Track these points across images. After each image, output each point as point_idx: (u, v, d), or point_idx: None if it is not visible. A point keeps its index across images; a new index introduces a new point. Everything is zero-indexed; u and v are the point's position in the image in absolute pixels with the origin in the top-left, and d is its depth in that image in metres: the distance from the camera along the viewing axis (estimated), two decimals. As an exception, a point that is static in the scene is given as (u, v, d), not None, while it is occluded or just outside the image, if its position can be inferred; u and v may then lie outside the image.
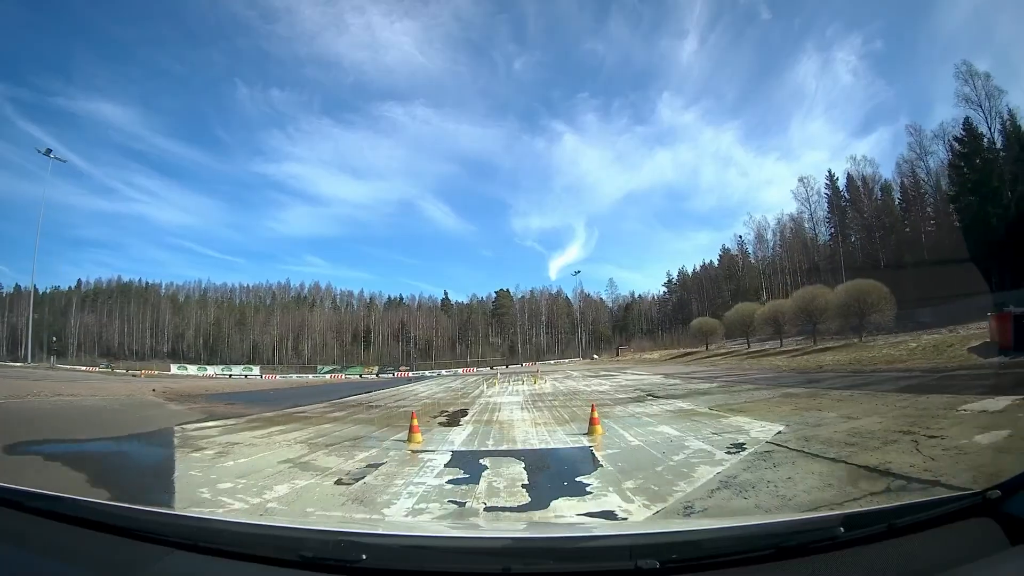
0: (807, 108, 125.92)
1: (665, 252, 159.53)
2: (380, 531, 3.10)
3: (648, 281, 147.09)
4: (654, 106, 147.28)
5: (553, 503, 5.88)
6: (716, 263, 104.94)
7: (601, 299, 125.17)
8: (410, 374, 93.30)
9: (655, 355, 74.24)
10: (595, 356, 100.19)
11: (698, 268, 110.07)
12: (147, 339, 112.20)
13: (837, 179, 77.67)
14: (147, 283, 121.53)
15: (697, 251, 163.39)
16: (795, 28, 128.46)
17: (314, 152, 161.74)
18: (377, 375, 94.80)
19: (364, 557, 1.79)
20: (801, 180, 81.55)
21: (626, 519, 5.17)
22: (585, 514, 5.46)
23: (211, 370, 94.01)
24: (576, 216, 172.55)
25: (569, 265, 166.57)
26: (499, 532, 3.06)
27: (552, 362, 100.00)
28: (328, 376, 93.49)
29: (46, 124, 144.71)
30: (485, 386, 32.78)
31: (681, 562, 1.73)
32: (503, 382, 37.39)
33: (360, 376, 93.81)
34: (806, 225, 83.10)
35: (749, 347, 54.24)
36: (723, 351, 58.87)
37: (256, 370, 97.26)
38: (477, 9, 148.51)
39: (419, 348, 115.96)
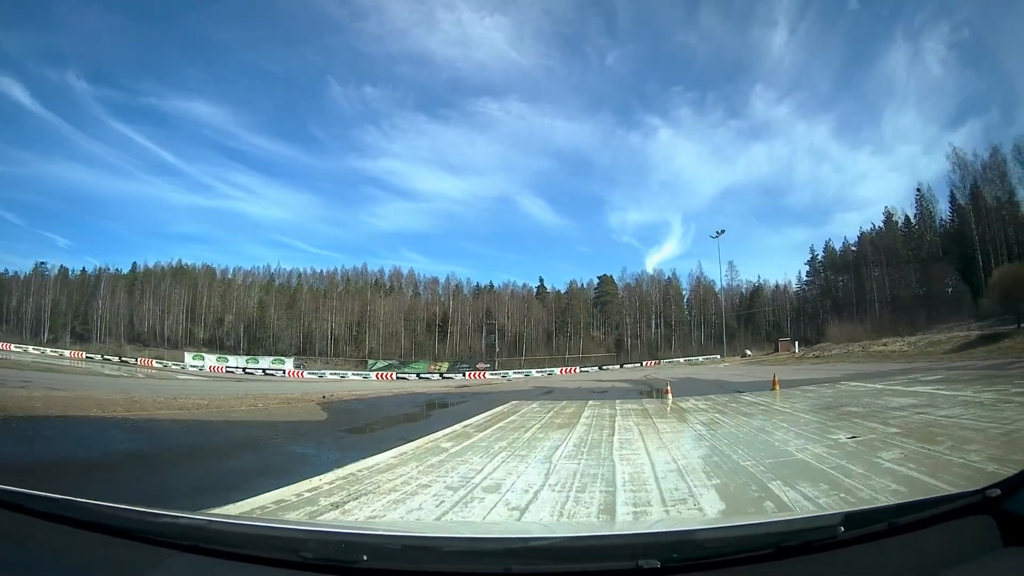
0: (899, 100, 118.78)
1: (761, 248, 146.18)
2: (380, 531, 2.67)
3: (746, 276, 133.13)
4: (747, 99, 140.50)
5: None
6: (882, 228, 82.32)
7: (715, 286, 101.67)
8: (487, 375, 74.08)
9: (837, 350, 50.48)
10: (747, 352, 75.14)
11: (851, 242, 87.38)
12: (182, 324, 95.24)
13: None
14: (208, 266, 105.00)
15: (793, 248, 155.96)
16: (883, 17, 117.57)
17: (410, 148, 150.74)
18: (442, 375, 76.33)
19: (365, 558, 1.75)
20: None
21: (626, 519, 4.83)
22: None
23: (233, 362, 78.47)
24: (672, 211, 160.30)
25: (667, 260, 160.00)
26: (499, 532, 3.09)
27: (680, 360, 79.36)
28: (374, 376, 75.19)
29: (142, 123, 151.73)
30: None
31: (682, 562, 1.70)
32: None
33: (418, 376, 75.67)
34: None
35: (1020, 327, 35.21)
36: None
37: (289, 363, 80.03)
38: (567, 3, 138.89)
39: (507, 341, 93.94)
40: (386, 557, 1.81)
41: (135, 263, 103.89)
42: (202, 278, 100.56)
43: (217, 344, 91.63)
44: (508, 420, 13.05)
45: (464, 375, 75.24)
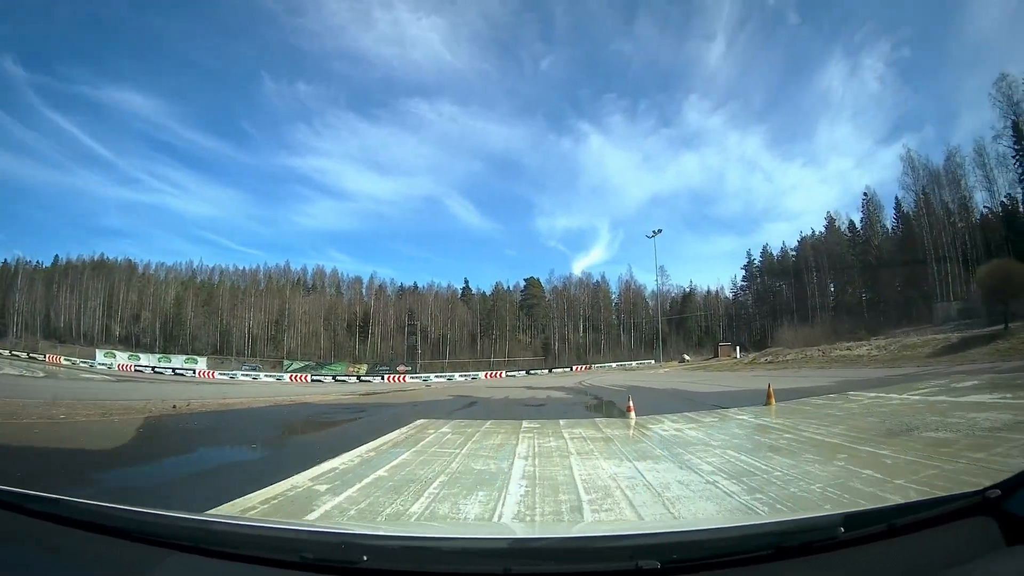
0: (833, 114, 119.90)
1: (689, 256, 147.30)
2: (380, 532, 2.68)
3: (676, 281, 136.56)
4: (680, 108, 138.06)
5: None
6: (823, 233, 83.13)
7: (645, 291, 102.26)
8: (407, 379, 70.48)
9: (792, 355, 46.71)
10: (686, 358, 72.91)
11: (791, 247, 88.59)
12: (100, 320, 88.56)
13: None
14: (130, 260, 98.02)
15: (722, 257, 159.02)
16: (823, 32, 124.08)
17: (340, 146, 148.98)
18: (359, 378, 72.35)
19: (365, 558, 1.73)
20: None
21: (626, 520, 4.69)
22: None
23: (145, 360, 72.90)
24: (600, 217, 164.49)
25: (595, 266, 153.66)
26: (499, 533, 3.08)
27: (612, 365, 77.73)
28: (288, 377, 70.45)
29: (71, 112, 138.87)
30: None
31: (682, 562, 1.69)
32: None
33: (333, 378, 71.55)
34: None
35: (1007, 327, 30.74)
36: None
37: (202, 363, 75.11)
38: (504, 7, 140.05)
39: (430, 343, 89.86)
40: (386, 557, 1.79)
41: (56, 256, 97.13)
42: (119, 272, 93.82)
43: (133, 341, 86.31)
44: (393, 466, 7.58)
45: (383, 378, 71.33)
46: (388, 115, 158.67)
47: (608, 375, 57.56)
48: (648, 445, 8.93)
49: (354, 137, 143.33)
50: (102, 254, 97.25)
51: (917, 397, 12.62)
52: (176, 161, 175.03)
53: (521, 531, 3.48)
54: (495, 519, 5.04)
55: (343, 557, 1.73)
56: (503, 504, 5.42)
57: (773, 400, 13.91)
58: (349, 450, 8.84)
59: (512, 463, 7.62)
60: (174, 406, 18.62)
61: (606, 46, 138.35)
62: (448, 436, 10.97)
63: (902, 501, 2.43)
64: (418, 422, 13.76)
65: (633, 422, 12.36)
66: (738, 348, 68.77)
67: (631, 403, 13.81)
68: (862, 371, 27.34)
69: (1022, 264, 34.65)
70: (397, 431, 11.82)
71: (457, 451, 8.83)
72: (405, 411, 19.42)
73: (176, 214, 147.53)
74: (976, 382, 14.55)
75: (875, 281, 70.33)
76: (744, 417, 12.37)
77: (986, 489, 1.90)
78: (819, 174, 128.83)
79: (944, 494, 2.09)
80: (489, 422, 13.76)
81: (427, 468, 7.36)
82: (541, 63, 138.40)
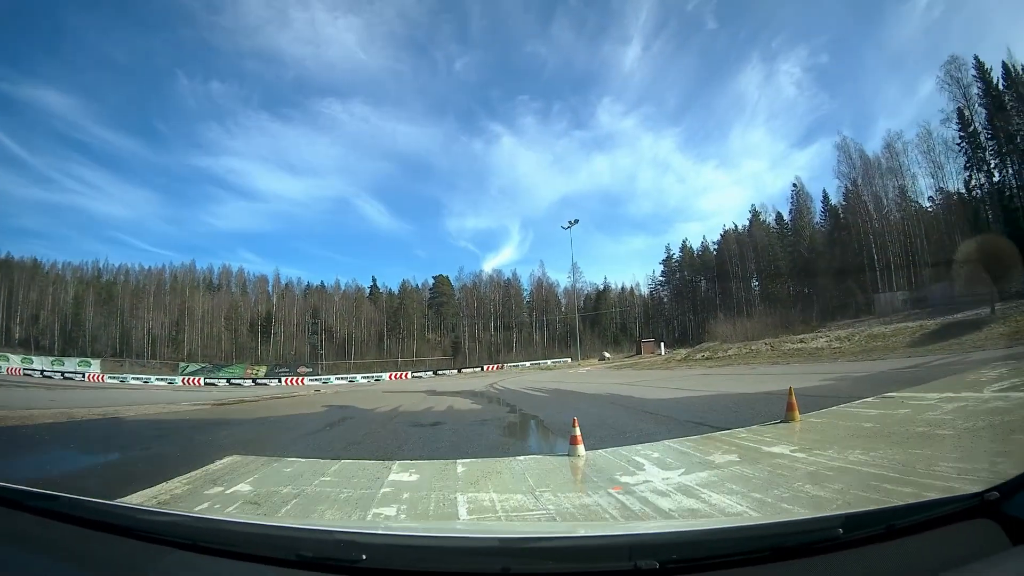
0: (748, 118, 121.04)
1: (601, 256, 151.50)
2: (380, 531, 2.86)
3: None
4: (594, 111, 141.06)
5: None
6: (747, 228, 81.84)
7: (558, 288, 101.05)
8: (305, 381, 66.80)
9: (734, 349, 42.77)
10: (606, 355, 70.95)
11: (712, 241, 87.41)
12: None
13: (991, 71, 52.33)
14: (35, 260, 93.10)
15: (634, 256, 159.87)
16: (740, 39, 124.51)
17: (252, 147, 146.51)
18: (255, 381, 69.10)
19: (364, 557, 1.74)
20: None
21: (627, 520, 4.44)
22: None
23: (37, 363, 69.05)
24: (511, 218, 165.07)
25: (505, 265, 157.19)
26: (499, 532, 2.95)
27: (526, 364, 75.44)
28: (180, 380, 67.37)
29: None
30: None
31: (681, 562, 1.69)
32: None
33: (228, 381, 68.33)
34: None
35: (994, 310, 28.06)
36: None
37: (96, 366, 71.28)
38: (421, 7, 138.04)
39: (335, 343, 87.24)
40: (385, 556, 1.79)
41: None
42: (23, 272, 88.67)
43: (32, 344, 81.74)
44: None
45: (280, 381, 68.11)
46: (300, 115, 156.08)
47: (523, 375, 53.85)
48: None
49: (265, 137, 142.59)
50: (8, 253, 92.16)
51: (986, 395, 9.00)
52: (90, 160, 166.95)
53: (520, 531, 3.29)
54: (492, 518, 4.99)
55: (342, 556, 1.72)
56: None
57: (797, 412, 9.09)
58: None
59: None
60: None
61: (521, 48, 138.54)
62: (243, 505, 6.16)
63: (901, 503, 2.26)
64: (223, 462, 8.71)
65: (583, 463, 7.55)
66: (662, 344, 67.17)
67: (578, 434, 8.13)
68: (838, 365, 23.56)
69: (1009, 241, 31.81)
70: (166, 484, 7.13)
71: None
72: (238, 434, 14.64)
73: (88, 214, 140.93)
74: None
75: (807, 273, 67.98)
76: (782, 450, 7.02)
77: (985, 492, 1.91)
78: (732, 175, 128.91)
79: (943, 497, 2.07)
80: (338, 465, 8.39)
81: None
82: (455, 64, 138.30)
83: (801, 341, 36.56)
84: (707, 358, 42.03)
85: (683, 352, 52.67)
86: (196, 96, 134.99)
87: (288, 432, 15.01)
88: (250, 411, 23.08)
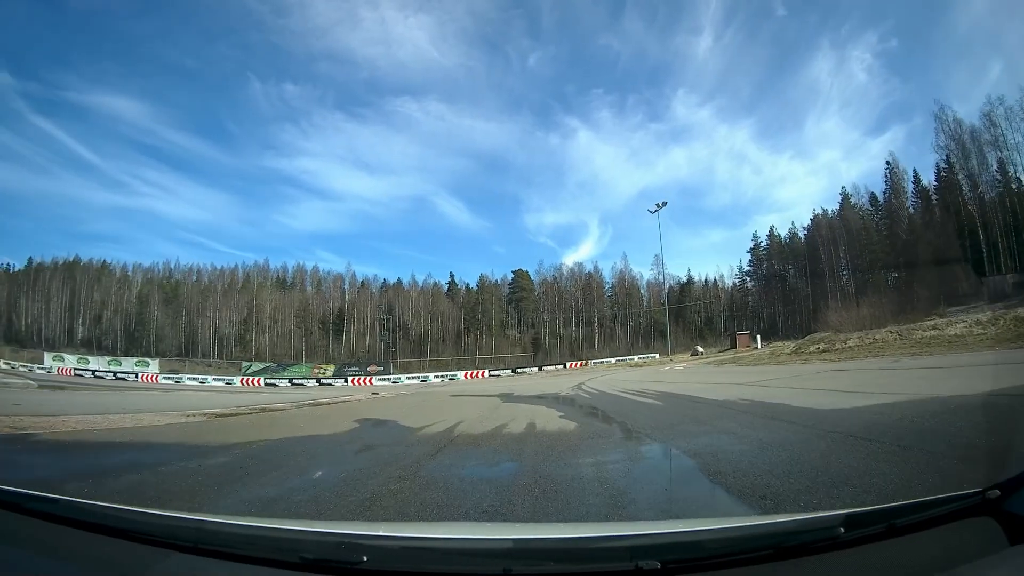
0: (822, 106, 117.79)
1: (681, 250, 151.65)
2: (381, 532, 2.43)
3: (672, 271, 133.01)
4: (669, 103, 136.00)
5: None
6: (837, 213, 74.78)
7: (641, 280, 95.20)
8: (375, 381, 61.34)
9: (853, 340, 34.64)
10: (699, 350, 64.49)
11: (802, 226, 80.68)
12: (62, 322, 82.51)
13: None
14: (104, 262, 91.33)
15: (711, 250, 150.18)
16: (810, 25, 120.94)
17: (327, 147, 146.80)
18: (319, 381, 64.46)
19: (365, 559, 1.72)
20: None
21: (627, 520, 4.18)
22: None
23: (94, 363, 65.83)
24: (590, 212, 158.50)
25: (585, 260, 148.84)
26: (499, 533, 2.73)
27: (611, 361, 69.05)
28: (238, 381, 62.77)
29: (57, 117, 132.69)
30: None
31: (682, 562, 1.67)
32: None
33: (290, 382, 63.72)
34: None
35: None
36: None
37: (154, 366, 67.15)
38: (491, 4, 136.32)
39: (411, 340, 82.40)
40: (386, 557, 1.77)
41: (31, 258, 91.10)
42: (89, 274, 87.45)
43: (95, 344, 79.54)
44: None
45: (347, 381, 62.99)
46: (375, 114, 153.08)
47: (611, 373, 45.35)
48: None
49: (341, 136, 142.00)
50: (76, 256, 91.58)
51: None
52: (163, 164, 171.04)
53: (521, 531, 2.89)
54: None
55: (344, 557, 1.70)
56: None
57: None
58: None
59: None
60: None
61: (593, 41, 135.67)
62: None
63: (902, 502, 2.12)
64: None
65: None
66: (758, 337, 60.77)
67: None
68: (1011, 353, 15.53)
69: None
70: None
71: None
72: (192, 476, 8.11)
73: (162, 217, 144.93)
74: None
75: (906, 256, 60.62)
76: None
77: (986, 489, 1.88)
78: (807, 165, 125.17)
79: (944, 495, 2.01)
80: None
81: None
82: (528, 59, 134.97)
83: (934, 327, 29.91)
84: (823, 350, 34.55)
85: (790, 345, 44.66)
86: (269, 98, 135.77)
87: (282, 466, 6.55)
88: (237, 431, 11.36)
